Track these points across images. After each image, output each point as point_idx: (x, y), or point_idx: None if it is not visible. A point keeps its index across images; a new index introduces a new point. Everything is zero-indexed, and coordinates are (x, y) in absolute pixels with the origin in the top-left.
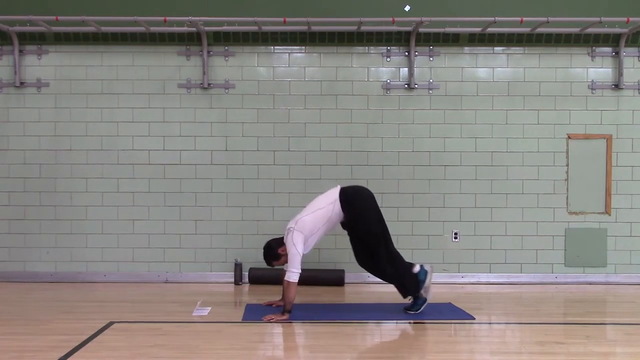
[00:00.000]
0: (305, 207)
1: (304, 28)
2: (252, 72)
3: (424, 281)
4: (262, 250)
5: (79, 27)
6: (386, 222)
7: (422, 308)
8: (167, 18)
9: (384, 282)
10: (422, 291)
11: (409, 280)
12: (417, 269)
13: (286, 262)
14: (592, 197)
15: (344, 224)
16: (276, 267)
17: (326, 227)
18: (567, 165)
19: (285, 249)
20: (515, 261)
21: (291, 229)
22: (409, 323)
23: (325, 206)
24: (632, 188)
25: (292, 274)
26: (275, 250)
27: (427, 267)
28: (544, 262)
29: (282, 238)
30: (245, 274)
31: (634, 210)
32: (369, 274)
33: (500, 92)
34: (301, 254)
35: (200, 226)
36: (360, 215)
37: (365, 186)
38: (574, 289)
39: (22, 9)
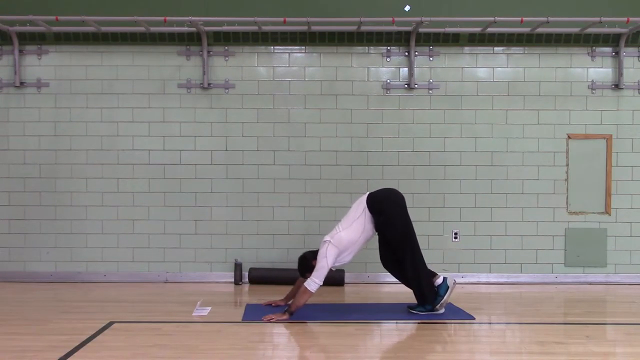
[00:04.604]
0: (341, 219)
1: (304, 28)
2: (252, 72)
3: (442, 297)
4: (297, 261)
5: (79, 27)
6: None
7: (426, 312)
8: (167, 18)
9: (391, 284)
10: (437, 305)
11: (428, 290)
12: (439, 281)
13: None
14: (592, 197)
15: (375, 227)
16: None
17: (363, 239)
18: (567, 165)
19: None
20: (515, 261)
21: (327, 242)
22: (409, 323)
23: (359, 216)
24: (632, 188)
25: (313, 284)
26: (309, 261)
27: (449, 283)
28: (544, 262)
29: (317, 250)
30: (245, 274)
31: (634, 210)
32: (368, 274)
33: (500, 92)
34: (329, 268)
35: (200, 226)
36: (387, 218)
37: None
38: (574, 289)
39: (22, 9)
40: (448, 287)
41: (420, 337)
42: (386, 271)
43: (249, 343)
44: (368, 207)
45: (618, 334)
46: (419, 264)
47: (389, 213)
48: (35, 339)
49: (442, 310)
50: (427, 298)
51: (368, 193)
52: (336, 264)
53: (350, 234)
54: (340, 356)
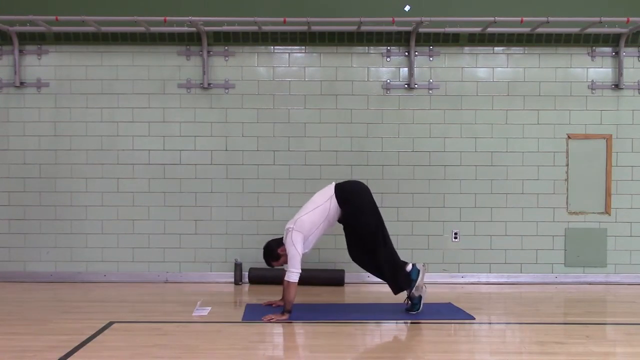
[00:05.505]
0: (302, 206)
1: (304, 28)
2: (252, 72)
3: (415, 280)
4: (262, 251)
5: (79, 27)
6: (386, 222)
7: (421, 306)
8: (167, 18)
9: (378, 279)
10: (413, 290)
11: (402, 277)
12: (409, 267)
13: (286, 262)
14: (592, 197)
15: (340, 219)
16: (276, 267)
17: (325, 225)
18: (567, 165)
19: (284, 250)
20: (515, 261)
21: (290, 229)
22: (409, 323)
23: (322, 204)
24: (632, 188)
25: (292, 274)
26: (275, 250)
27: (419, 266)
28: (544, 262)
29: (282, 238)
30: (245, 274)
31: (634, 210)
32: (368, 274)
33: (500, 92)
34: (301, 254)
35: (200, 226)
36: (356, 209)
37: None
38: (574, 289)
39: (22, 9)
40: (419, 271)
41: (420, 337)
42: None
43: (249, 343)
44: (336, 197)
45: (618, 334)
46: (392, 253)
47: (358, 203)
48: (35, 339)
49: (418, 294)
50: (402, 285)
51: (335, 183)
52: (305, 250)
53: (311, 217)
54: (340, 356)
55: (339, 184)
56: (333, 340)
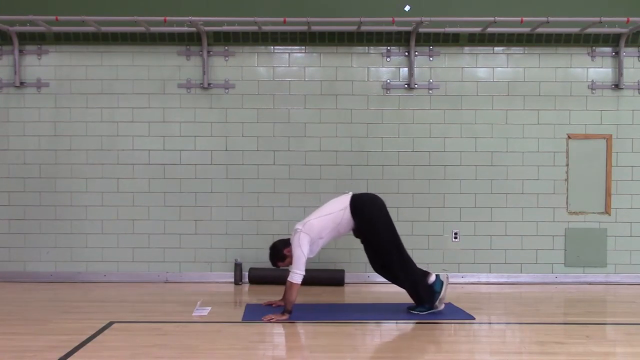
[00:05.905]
0: (316, 209)
1: (304, 28)
2: (252, 72)
3: (439, 292)
4: (268, 251)
5: (79, 27)
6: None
7: (427, 312)
8: (167, 18)
9: (381, 279)
10: (436, 302)
11: (423, 290)
12: (432, 279)
13: (291, 263)
14: (592, 197)
15: (355, 232)
16: (281, 267)
17: (334, 233)
18: (567, 165)
19: (291, 250)
20: (515, 261)
21: (298, 230)
22: (409, 323)
23: (336, 212)
24: (632, 188)
25: (296, 275)
26: (281, 251)
27: (442, 278)
28: (544, 262)
29: (289, 239)
30: (245, 274)
31: (634, 210)
32: (368, 274)
33: (500, 92)
34: (306, 256)
35: (200, 226)
36: (370, 223)
37: (369, 189)
38: (573, 289)
39: (22, 9)
40: (442, 283)
41: (420, 337)
42: None
43: (249, 343)
44: (351, 208)
45: (618, 334)
46: (408, 266)
47: (370, 216)
48: (35, 339)
49: (441, 307)
50: (424, 298)
51: (352, 194)
52: (310, 255)
53: (322, 222)
54: (340, 356)
55: (356, 195)
56: (333, 340)
